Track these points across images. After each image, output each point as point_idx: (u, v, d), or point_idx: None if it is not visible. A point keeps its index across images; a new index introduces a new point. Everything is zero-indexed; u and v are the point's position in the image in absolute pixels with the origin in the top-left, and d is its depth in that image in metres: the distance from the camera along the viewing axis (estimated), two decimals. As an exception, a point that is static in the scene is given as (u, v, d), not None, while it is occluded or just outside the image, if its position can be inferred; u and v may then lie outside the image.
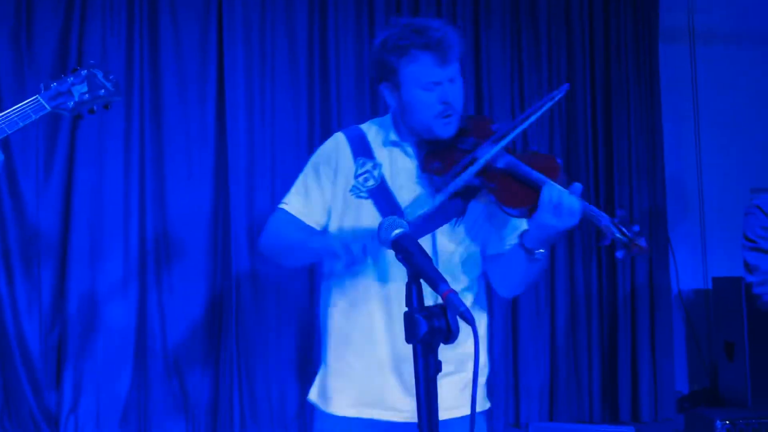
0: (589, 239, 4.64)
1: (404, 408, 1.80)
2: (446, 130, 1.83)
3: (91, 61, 2.36)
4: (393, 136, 1.91)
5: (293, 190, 2.00)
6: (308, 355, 4.15)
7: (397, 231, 1.37)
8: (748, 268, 2.66)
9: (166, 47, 4.12)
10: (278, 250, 1.99)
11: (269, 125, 4.22)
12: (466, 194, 1.76)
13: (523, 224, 1.83)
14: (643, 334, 4.63)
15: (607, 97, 4.73)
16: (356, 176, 1.88)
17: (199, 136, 4.16)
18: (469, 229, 1.85)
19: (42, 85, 2.24)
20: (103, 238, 3.98)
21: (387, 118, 1.96)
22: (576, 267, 4.61)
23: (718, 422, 3.34)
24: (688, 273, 5.08)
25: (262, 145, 4.20)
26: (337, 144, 1.95)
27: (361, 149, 1.90)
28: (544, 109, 1.79)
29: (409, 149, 1.89)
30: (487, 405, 1.95)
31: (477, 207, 1.82)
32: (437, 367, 1.25)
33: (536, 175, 1.71)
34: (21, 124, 2.18)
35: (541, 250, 1.72)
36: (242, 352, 4.06)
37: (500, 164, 1.75)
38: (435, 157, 1.81)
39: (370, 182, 1.86)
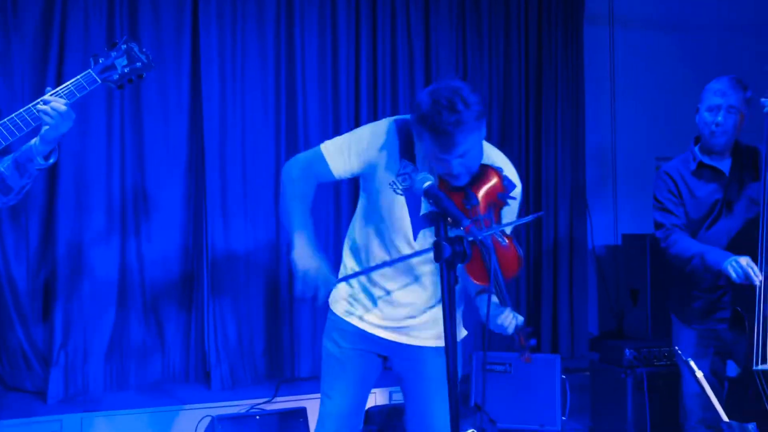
0: (525, 204, 5.28)
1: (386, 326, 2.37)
2: (456, 182, 2.13)
3: (125, 36, 2.72)
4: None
5: (339, 139, 2.33)
6: (274, 298, 4.63)
7: (427, 183, 1.88)
8: (656, 225, 3.27)
9: (145, 14, 4.41)
10: (283, 202, 2.37)
11: (239, 91, 4.56)
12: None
13: None
14: (562, 282, 5.31)
15: (539, 75, 5.30)
16: (397, 174, 2.23)
17: (174, 101, 4.48)
18: None
19: (92, 60, 2.59)
20: (88, 191, 4.27)
21: None
22: (508, 223, 5.25)
23: (627, 350, 4.02)
24: (602, 230, 5.76)
25: (233, 109, 4.55)
26: (388, 139, 2.25)
27: (407, 152, 2.24)
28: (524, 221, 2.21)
29: None
30: (464, 333, 2.51)
31: None
32: (456, 280, 1.77)
33: (498, 273, 2.04)
34: (78, 95, 2.53)
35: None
36: (214, 295, 4.46)
37: (481, 236, 1.97)
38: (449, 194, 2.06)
39: (407, 183, 2.23)
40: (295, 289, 2.21)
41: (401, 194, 2.24)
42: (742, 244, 3.04)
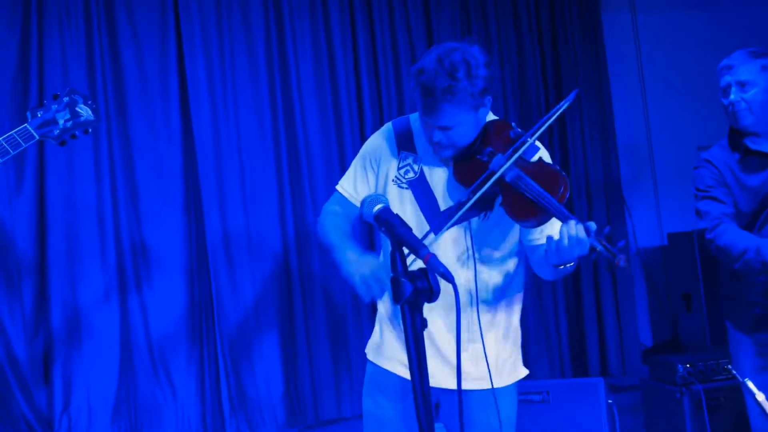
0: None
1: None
2: (442, 155, 1.99)
3: (69, 87, 2.47)
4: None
5: (347, 173, 2.21)
6: (290, 340, 4.31)
7: (378, 206, 1.53)
8: (700, 214, 2.83)
9: (127, 52, 4.18)
10: (321, 241, 2.21)
11: (233, 120, 4.32)
12: (488, 198, 1.92)
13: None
14: (606, 292, 4.87)
15: (557, 71, 4.93)
16: (398, 168, 2.08)
17: (165, 137, 4.25)
18: (498, 219, 2.01)
19: (29, 113, 2.34)
20: (80, 244, 4.05)
21: None
22: (539, 233, 4.84)
23: (679, 366, 3.55)
24: (645, 231, 5.32)
25: (228, 140, 4.30)
26: (385, 137, 2.14)
27: (406, 144, 2.09)
28: (554, 117, 1.90)
29: None
30: (525, 372, 2.23)
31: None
32: (423, 323, 1.40)
33: (542, 196, 1.82)
34: (12, 153, 2.28)
35: (568, 264, 1.86)
36: (225, 342, 4.18)
37: (509, 178, 1.87)
38: (460, 167, 1.98)
39: (410, 175, 2.07)
40: (360, 297, 1.97)
41: (406, 188, 2.08)
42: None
